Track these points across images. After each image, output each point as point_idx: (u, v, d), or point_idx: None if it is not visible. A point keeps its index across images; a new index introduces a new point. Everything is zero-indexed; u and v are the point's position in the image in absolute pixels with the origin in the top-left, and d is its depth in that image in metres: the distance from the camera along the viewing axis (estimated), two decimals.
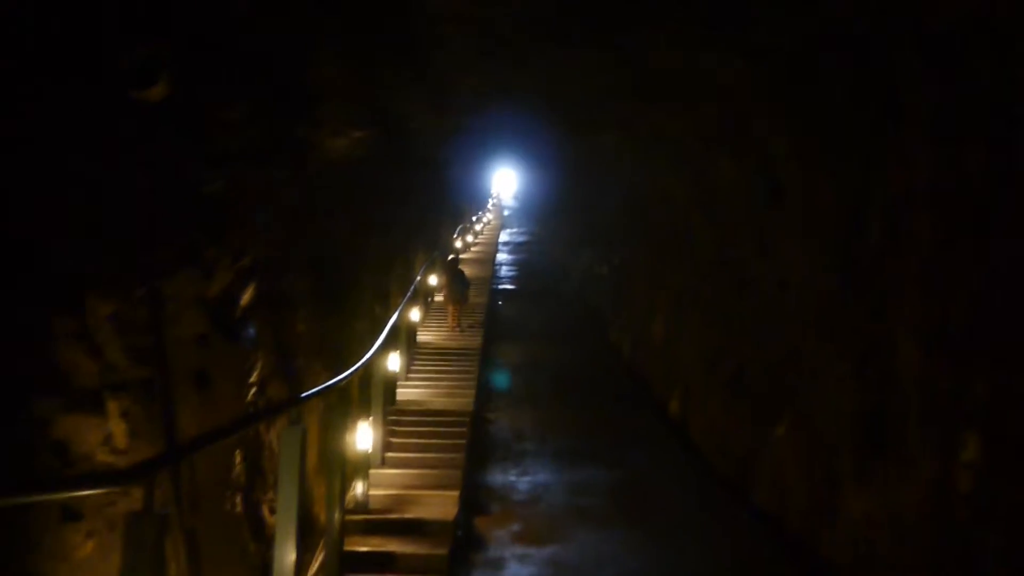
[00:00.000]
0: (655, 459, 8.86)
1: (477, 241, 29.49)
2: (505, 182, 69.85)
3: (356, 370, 6.71)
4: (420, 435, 8.45)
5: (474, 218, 30.29)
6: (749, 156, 7.46)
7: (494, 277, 21.88)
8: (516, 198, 60.88)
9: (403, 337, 10.43)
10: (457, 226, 23.00)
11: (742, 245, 8.13)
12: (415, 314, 12.08)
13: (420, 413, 9.31)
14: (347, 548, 5.93)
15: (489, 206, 43.71)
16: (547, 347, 14.53)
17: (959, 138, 4.14)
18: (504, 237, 33.87)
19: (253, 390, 5.73)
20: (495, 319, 16.36)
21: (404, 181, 12.71)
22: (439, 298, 16.60)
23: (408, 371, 10.87)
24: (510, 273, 23.89)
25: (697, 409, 9.44)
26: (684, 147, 9.04)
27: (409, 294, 11.65)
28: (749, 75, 6.15)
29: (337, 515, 5.55)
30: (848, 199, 5.59)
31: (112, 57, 3.86)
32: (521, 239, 33.40)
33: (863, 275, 5.38)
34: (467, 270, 15.30)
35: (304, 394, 5.39)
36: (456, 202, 24.93)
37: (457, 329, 14.05)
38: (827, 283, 6.03)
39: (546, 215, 31.89)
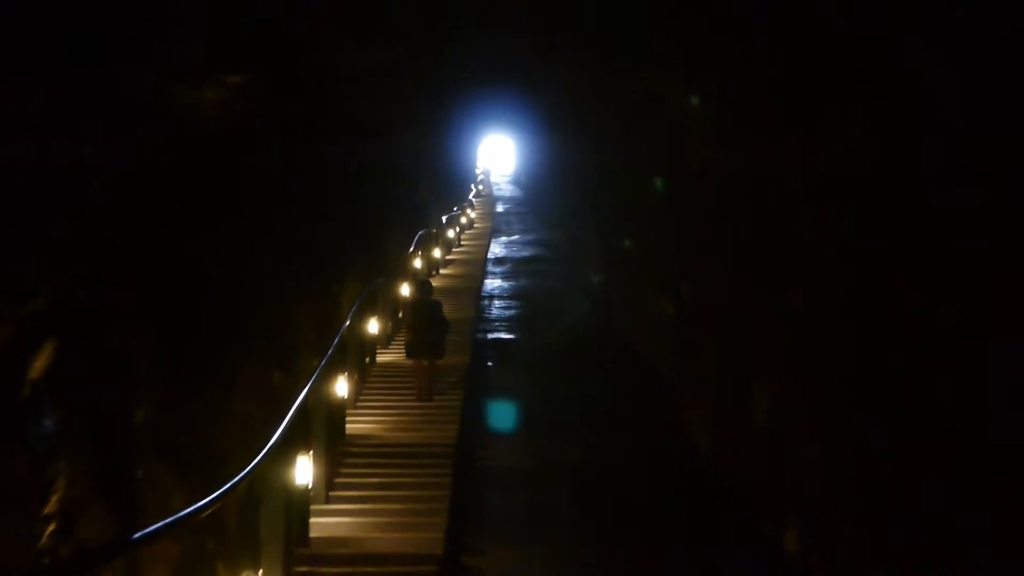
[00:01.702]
0: None
1: (451, 257, 29.61)
2: (498, 157, 70.87)
3: (235, 486, 6.66)
4: None
5: (445, 219, 30.38)
6: (906, 109, 7.40)
7: (479, 320, 21.84)
8: (516, 182, 61.55)
9: (322, 428, 10.37)
10: (416, 233, 23.05)
11: (893, 264, 8.05)
12: (342, 387, 12.00)
13: (351, 560, 9.19)
14: None
15: (472, 197, 44.13)
16: (568, 437, 14.45)
17: None
18: (497, 250, 34.03)
19: (51, 527, 5.66)
20: (481, 392, 16.29)
21: (320, 158, 12.72)
22: (384, 357, 16.54)
23: (331, 486, 10.82)
24: (507, 313, 23.86)
25: (832, 547, 9.33)
26: (788, 93, 9.02)
27: (331, 351, 11.58)
28: None
29: None
30: None
31: None
32: (525, 253, 33.49)
33: None
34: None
35: (141, 533, 5.29)
36: (414, 193, 25.00)
37: (431, 398, 14.14)
38: None
39: (566, 212, 32.00)
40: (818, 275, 9.82)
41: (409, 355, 14.50)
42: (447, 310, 15.34)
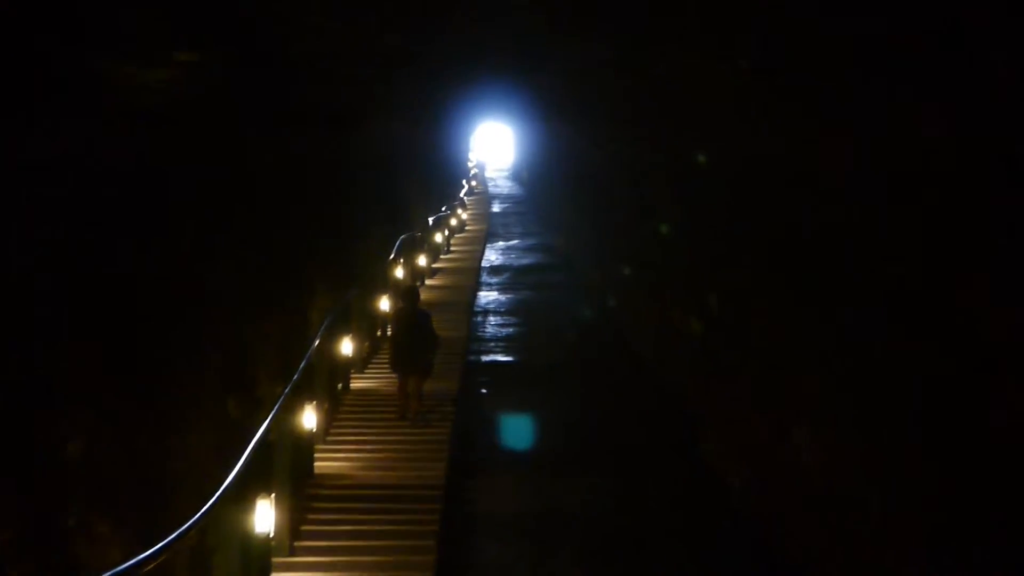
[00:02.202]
0: None
1: (439, 266, 29.57)
2: (494, 148, 70.92)
3: (184, 535, 6.64)
4: None
5: (432, 220, 30.38)
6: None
7: (471, 339, 21.81)
8: (515, 178, 61.73)
9: (286, 466, 10.37)
10: (399, 237, 23.03)
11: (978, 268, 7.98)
12: (310, 418, 11.96)
13: None
14: None
15: (463, 194, 44.16)
16: (575, 476, 14.45)
17: None
18: (492, 256, 34.14)
19: None
20: (473, 424, 16.24)
21: (285, 148, 12.68)
22: (359, 382, 16.50)
23: (296, 535, 10.78)
24: (504, 331, 23.84)
25: None
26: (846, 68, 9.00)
27: (297, 376, 11.54)
28: None
29: None
30: None
31: None
32: (525, 260, 33.56)
33: None
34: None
35: None
36: (396, 190, 24.95)
37: (418, 420, 14.41)
38: None
39: (573, 212, 31.98)
40: (884, 285, 9.77)
41: (394, 370, 14.73)
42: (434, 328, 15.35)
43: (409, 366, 14.50)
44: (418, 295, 15.65)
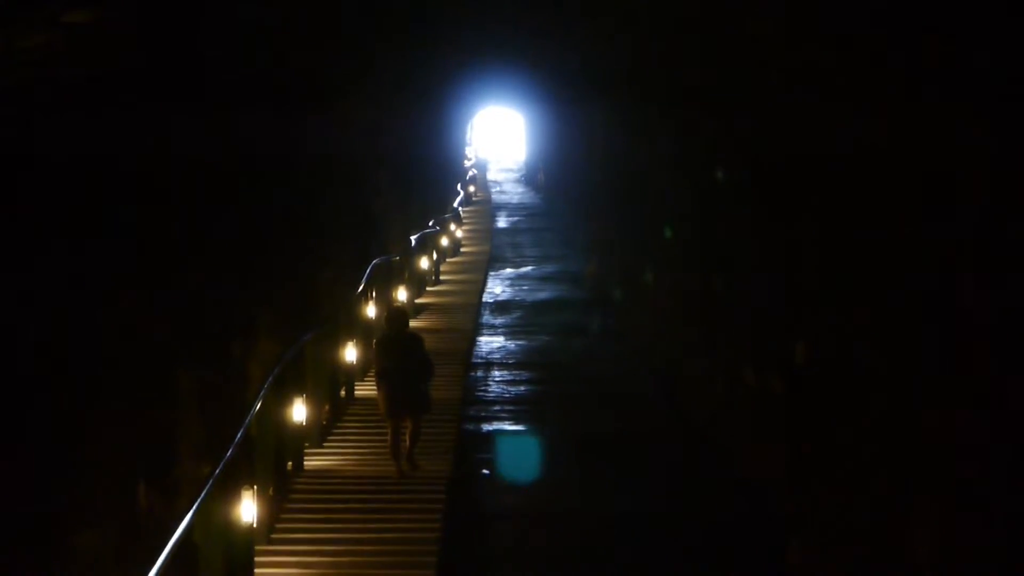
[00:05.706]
0: None
1: (425, 301, 29.59)
2: (499, 141, 70.96)
3: None
4: None
5: (416, 239, 30.41)
6: None
7: (467, 402, 21.70)
8: (528, 181, 61.68)
9: None
10: (370, 263, 22.98)
11: None
12: (248, 510, 11.86)
13: None
14: None
15: (458, 204, 43.91)
16: None
17: None
18: (497, 289, 34.33)
19: None
20: (470, 523, 16.02)
21: (210, 137, 12.66)
22: (316, 460, 16.47)
23: None
24: (512, 390, 23.81)
25: None
26: None
27: (231, 452, 11.49)
28: None
29: None
30: None
31: None
32: (541, 294, 33.49)
33: None
34: None
35: None
36: (366, 199, 24.92)
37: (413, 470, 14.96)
38: None
39: (611, 229, 31.80)
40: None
41: (387, 413, 15.48)
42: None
43: (402, 403, 15.31)
44: (407, 318, 16.41)
